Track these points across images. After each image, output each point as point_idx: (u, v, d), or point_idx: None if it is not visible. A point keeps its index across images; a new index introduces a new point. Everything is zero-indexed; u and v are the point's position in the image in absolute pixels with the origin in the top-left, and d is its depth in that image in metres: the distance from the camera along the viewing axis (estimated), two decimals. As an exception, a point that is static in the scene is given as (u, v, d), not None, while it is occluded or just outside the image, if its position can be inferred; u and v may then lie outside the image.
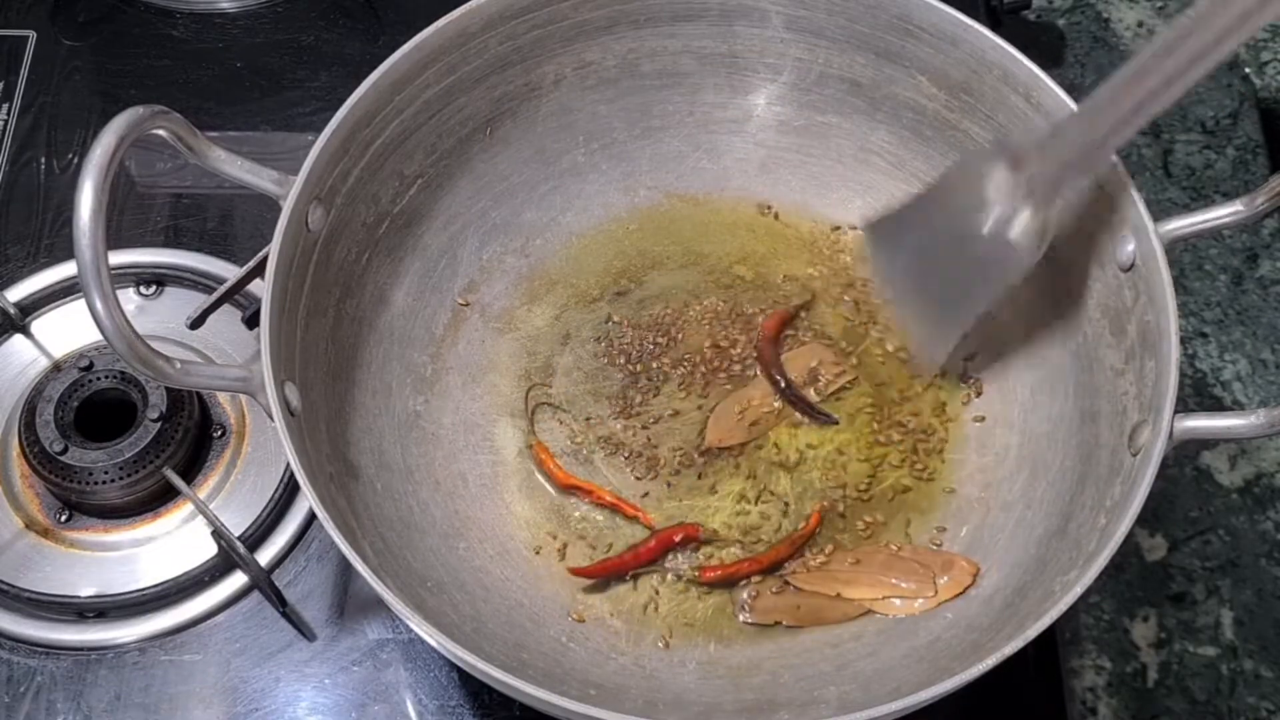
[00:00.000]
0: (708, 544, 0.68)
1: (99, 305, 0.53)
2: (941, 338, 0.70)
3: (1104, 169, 0.62)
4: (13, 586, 0.69)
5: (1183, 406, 0.63)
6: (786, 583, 0.67)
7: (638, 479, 0.70)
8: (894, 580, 0.66)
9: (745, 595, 0.67)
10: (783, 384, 0.71)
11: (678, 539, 0.68)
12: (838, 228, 0.77)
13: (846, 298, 0.75)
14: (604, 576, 0.67)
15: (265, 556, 0.71)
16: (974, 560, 0.66)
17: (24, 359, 0.76)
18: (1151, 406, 0.60)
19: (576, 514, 0.69)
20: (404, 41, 0.67)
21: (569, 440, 0.71)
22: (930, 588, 0.65)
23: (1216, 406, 0.80)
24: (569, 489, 0.69)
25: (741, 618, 0.66)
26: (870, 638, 0.66)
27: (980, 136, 0.71)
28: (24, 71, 0.87)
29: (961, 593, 0.65)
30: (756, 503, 0.70)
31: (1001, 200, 0.62)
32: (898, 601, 0.66)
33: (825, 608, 0.66)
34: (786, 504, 0.69)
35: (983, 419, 0.71)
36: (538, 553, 0.68)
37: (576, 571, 0.67)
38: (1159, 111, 0.57)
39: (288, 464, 0.65)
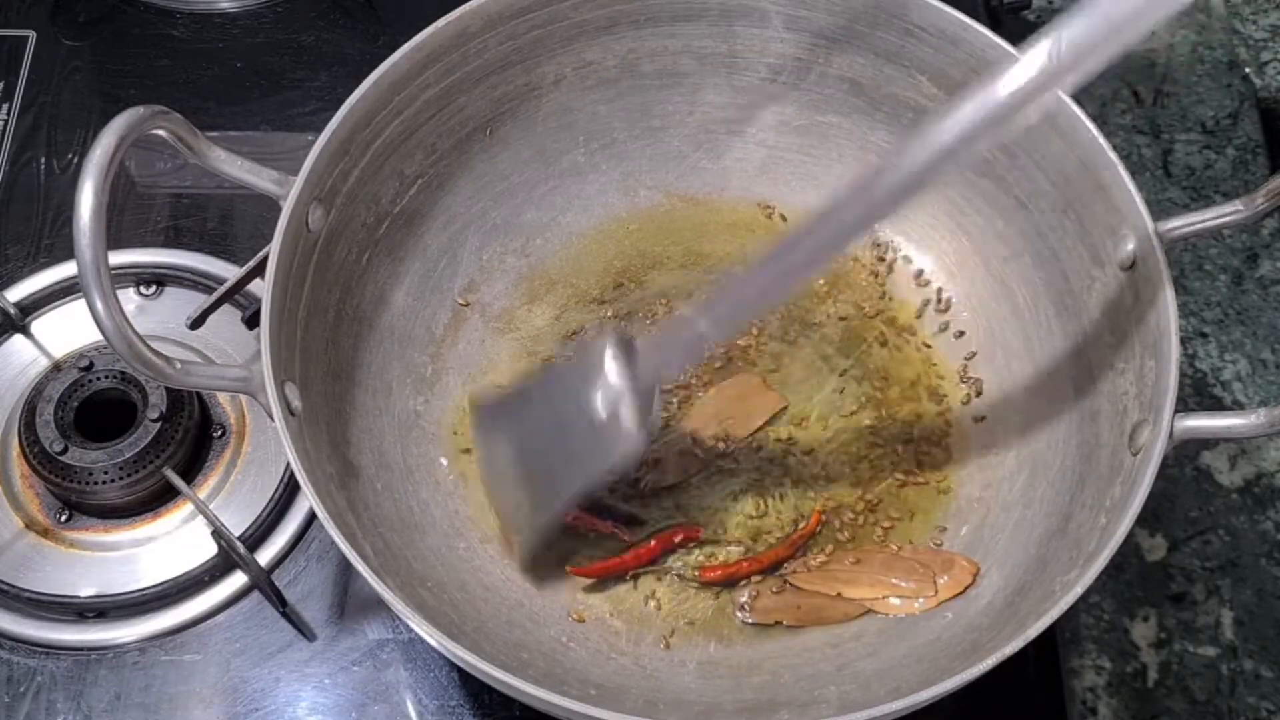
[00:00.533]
0: (708, 544, 0.68)
1: (99, 305, 0.53)
2: (532, 524, 0.66)
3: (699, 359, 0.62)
4: (13, 586, 0.69)
5: (1183, 406, 0.63)
6: (787, 582, 0.67)
7: (637, 479, 0.70)
8: (894, 580, 0.66)
9: (745, 596, 0.67)
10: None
11: (678, 540, 0.68)
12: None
13: (844, 298, 0.75)
14: (604, 576, 0.67)
15: (265, 556, 0.71)
16: (974, 560, 0.66)
17: (24, 359, 0.76)
18: (1151, 406, 0.60)
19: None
20: (404, 41, 0.67)
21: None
22: (930, 588, 0.65)
23: (1216, 406, 0.80)
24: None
25: (741, 618, 0.66)
26: (870, 638, 0.66)
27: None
28: (24, 71, 0.87)
29: (962, 592, 0.65)
30: (756, 503, 0.70)
31: (612, 389, 0.61)
32: (897, 601, 0.66)
33: (826, 607, 0.66)
34: (787, 504, 0.69)
35: (983, 419, 0.71)
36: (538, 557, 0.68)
37: (576, 571, 0.67)
38: (760, 312, 0.58)
39: (288, 464, 0.65)
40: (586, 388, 0.61)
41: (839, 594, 0.66)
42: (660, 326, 0.60)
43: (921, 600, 0.65)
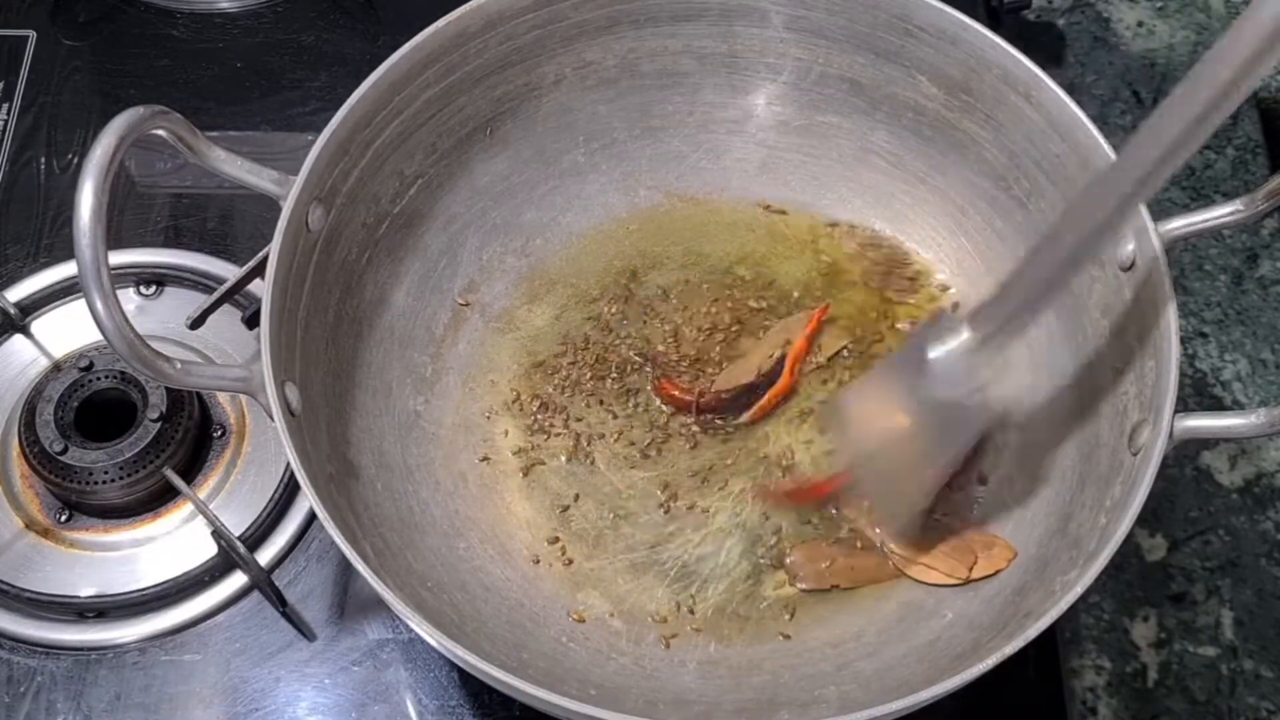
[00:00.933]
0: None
1: (99, 305, 0.53)
2: (909, 509, 0.67)
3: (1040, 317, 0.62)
4: (13, 586, 0.69)
5: (1183, 406, 0.63)
6: (838, 540, 0.67)
7: (641, 478, 0.70)
8: (939, 549, 0.66)
9: (792, 559, 0.67)
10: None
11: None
12: (835, 224, 0.77)
13: (843, 298, 0.75)
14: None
15: (265, 556, 0.71)
16: (1014, 546, 0.66)
17: (24, 359, 0.76)
18: (1151, 406, 0.60)
19: (577, 514, 0.69)
20: (404, 41, 0.67)
21: (569, 440, 0.71)
22: (965, 567, 0.65)
23: (1216, 406, 0.80)
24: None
25: (799, 586, 0.67)
26: (870, 638, 0.66)
27: (980, 136, 0.71)
28: (24, 71, 0.87)
29: (993, 574, 0.65)
30: (756, 503, 0.70)
31: (951, 369, 0.60)
32: (933, 571, 0.66)
33: (876, 566, 0.67)
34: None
35: (982, 419, 0.72)
36: (537, 562, 0.68)
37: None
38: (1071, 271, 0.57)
39: (288, 464, 0.65)
40: (930, 372, 0.60)
41: (888, 548, 0.67)
42: (987, 301, 0.60)
43: (954, 576, 0.65)
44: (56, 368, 0.74)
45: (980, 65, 0.68)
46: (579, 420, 0.72)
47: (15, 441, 0.72)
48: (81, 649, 0.69)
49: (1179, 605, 0.74)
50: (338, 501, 0.60)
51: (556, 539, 0.69)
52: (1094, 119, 0.64)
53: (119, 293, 0.55)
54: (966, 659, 0.56)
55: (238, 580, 0.70)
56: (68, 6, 0.90)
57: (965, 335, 0.59)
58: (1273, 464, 0.78)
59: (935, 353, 0.60)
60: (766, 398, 0.71)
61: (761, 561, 0.68)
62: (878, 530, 0.68)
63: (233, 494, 0.73)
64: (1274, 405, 0.58)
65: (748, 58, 0.75)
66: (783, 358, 0.72)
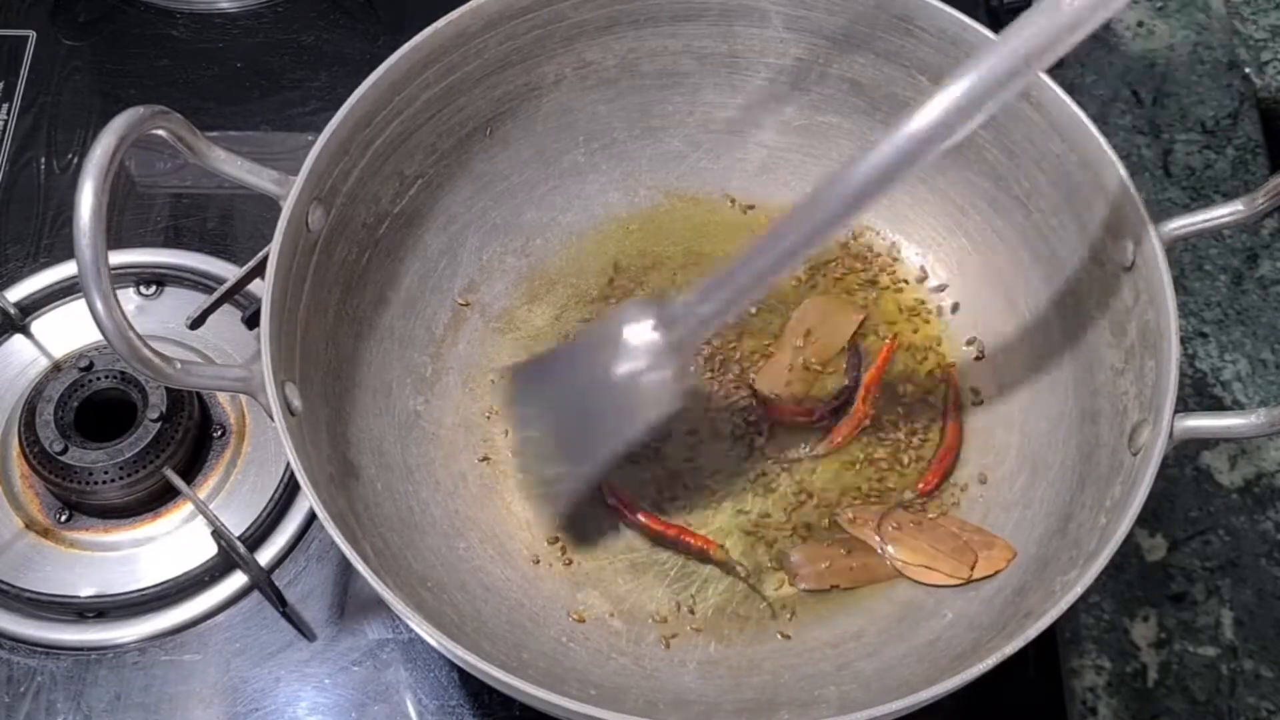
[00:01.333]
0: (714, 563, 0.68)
1: (99, 305, 0.53)
2: (571, 483, 0.66)
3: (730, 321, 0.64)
4: (13, 586, 0.69)
5: (1183, 406, 0.63)
6: (838, 540, 0.68)
7: (641, 478, 0.70)
8: (937, 549, 0.66)
9: (793, 559, 0.67)
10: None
11: (693, 545, 0.68)
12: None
13: (843, 297, 0.75)
14: (628, 518, 0.68)
15: (265, 556, 0.71)
16: (1014, 546, 0.66)
17: (24, 359, 0.76)
18: (1151, 406, 0.60)
19: (577, 514, 0.69)
20: (404, 41, 0.67)
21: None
22: (966, 567, 0.65)
23: (1216, 406, 0.80)
24: (656, 535, 0.68)
25: (799, 586, 0.67)
26: (870, 638, 0.66)
27: (980, 136, 0.71)
28: (24, 71, 0.87)
29: (993, 575, 0.65)
30: (756, 505, 0.70)
31: (645, 351, 0.61)
32: (932, 572, 0.66)
33: (875, 566, 0.67)
34: (788, 504, 0.70)
35: (982, 419, 0.71)
36: (537, 562, 0.68)
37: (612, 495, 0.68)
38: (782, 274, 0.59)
39: (288, 464, 0.65)
40: (618, 351, 0.62)
41: (886, 549, 0.67)
42: (688, 289, 0.61)
43: (956, 578, 0.66)
44: (56, 368, 0.74)
45: (980, 65, 0.68)
46: (579, 420, 0.72)
47: (15, 441, 0.72)
48: (81, 649, 0.69)
49: (1179, 605, 0.74)
50: (338, 501, 0.60)
51: (556, 539, 0.69)
52: (1094, 119, 0.64)
53: (119, 293, 0.55)
54: (966, 659, 0.56)
55: (238, 580, 0.70)
56: (68, 6, 0.90)
57: (658, 332, 0.61)
58: (1273, 464, 0.78)
59: (631, 341, 0.61)
60: (846, 429, 0.71)
61: (761, 561, 0.68)
62: (877, 537, 0.68)
63: (233, 494, 0.73)
64: (1274, 405, 0.58)
65: (748, 58, 0.75)
66: (849, 388, 0.72)
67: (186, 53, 0.88)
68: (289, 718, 0.67)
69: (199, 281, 0.78)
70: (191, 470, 0.72)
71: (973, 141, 0.71)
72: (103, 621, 0.69)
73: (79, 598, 0.69)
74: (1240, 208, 0.62)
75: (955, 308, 0.74)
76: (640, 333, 0.61)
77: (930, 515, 0.68)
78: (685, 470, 0.70)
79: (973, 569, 0.66)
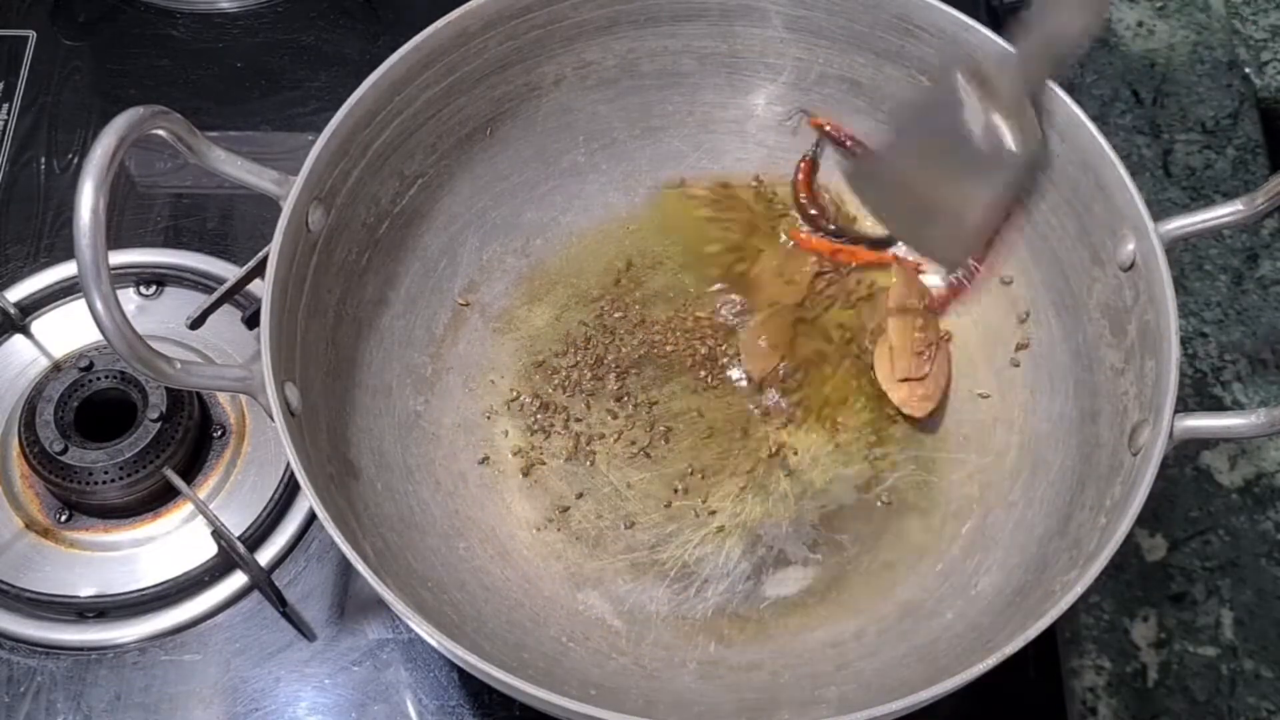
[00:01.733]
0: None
1: (99, 305, 0.53)
2: (958, 238, 0.71)
3: (1063, 68, 0.66)
4: (13, 586, 0.69)
5: (1183, 406, 0.63)
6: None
7: (641, 478, 0.70)
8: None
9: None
10: (829, 226, 0.75)
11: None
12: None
13: (843, 298, 0.75)
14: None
15: (265, 556, 0.71)
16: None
17: (24, 359, 0.76)
18: (1151, 406, 0.60)
19: (577, 514, 0.69)
20: (404, 41, 0.67)
21: (569, 440, 0.71)
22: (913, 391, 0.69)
23: (1216, 406, 0.80)
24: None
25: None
26: (870, 638, 0.66)
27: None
28: (24, 71, 0.87)
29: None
30: (756, 503, 0.70)
31: (977, 114, 0.65)
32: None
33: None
34: (788, 503, 0.70)
35: (982, 418, 0.71)
36: (537, 561, 0.68)
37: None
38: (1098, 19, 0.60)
39: (288, 464, 0.65)
40: (955, 119, 0.65)
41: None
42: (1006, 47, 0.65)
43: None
44: (56, 368, 0.74)
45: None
46: (579, 420, 0.72)
47: (15, 441, 0.72)
48: (81, 649, 0.69)
49: (1179, 605, 0.74)
50: (338, 501, 0.60)
51: (550, 520, 0.69)
52: (1094, 119, 0.65)
53: (119, 293, 0.55)
54: (966, 659, 0.56)
55: (238, 580, 0.70)
56: (68, 6, 0.90)
57: (983, 87, 0.64)
58: (1273, 464, 0.78)
59: (960, 108, 0.65)
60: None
61: (761, 562, 0.68)
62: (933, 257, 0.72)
63: (233, 494, 0.73)
64: (1274, 405, 0.58)
65: (748, 58, 0.75)
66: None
67: (186, 53, 0.88)
68: (289, 718, 0.67)
69: (199, 281, 0.78)
70: (191, 470, 0.72)
71: (973, 141, 0.71)
72: (103, 621, 0.69)
73: (79, 598, 0.69)
74: (1240, 208, 0.62)
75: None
76: (972, 100, 0.65)
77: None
78: (688, 469, 0.70)
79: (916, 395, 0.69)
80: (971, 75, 0.65)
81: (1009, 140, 0.65)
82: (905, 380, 0.70)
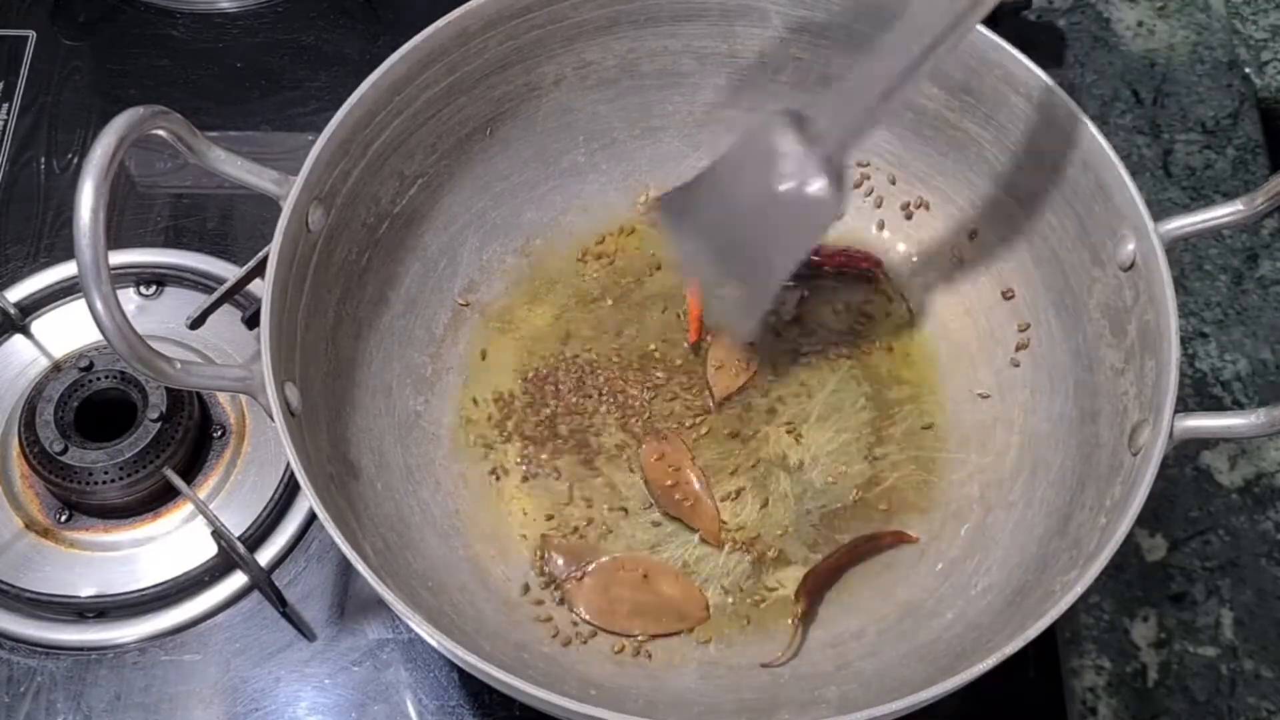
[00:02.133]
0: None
1: (99, 305, 0.53)
2: (751, 305, 0.67)
3: (888, 119, 0.64)
4: (13, 586, 0.69)
5: (1183, 406, 0.63)
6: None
7: (641, 478, 0.70)
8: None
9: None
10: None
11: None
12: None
13: (839, 305, 0.75)
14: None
15: (265, 556, 0.71)
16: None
17: (24, 359, 0.76)
18: (1152, 406, 0.60)
19: (577, 513, 0.69)
20: (404, 41, 0.67)
21: (570, 439, 0.71)
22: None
23: (1216, 406, 0.80)
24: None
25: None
26: (870, 638, 0.66)
27: (980, 136, 0.71)
28: (24, 71, 0.87)
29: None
30: (757, 503, 0.70)
31: (796, 161, 0.62)
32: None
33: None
34: (788, 503, 0.70)
35: (983, 419, 0.71)
36: (538, 562, 0.68)
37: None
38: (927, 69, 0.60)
39: (288, 464, 0.65)
40: (770, 164, 0.62)
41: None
42: (832, 90, 0.63)
43: None
44: (56, 368, 0.74)
45: (980, 65, 0.68)
46: (579, 420, 0.72)
47: (15, 441, 0.72)
48: (81, 649, 0.69)
49: (1179, 605, 0.74)
50: (338, 502, 0.60)
51: (551, 516, 0.69)
52: (1094, 119, 0.65)
53: (119, 293, 0.55)
54: (966, 659, 0.56)
55: (238, 580, 0.70)
56: (68, 6, 0.90)
57: (804, 134, 0.61)
58: (1273, 464, 0.78)
59: (784, 148, 0.62)
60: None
61: (761, 561, 0.68)
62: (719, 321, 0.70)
63: (233, 494, 0.73)
64: (1274, 405, 0.58)
65: (748, 58, 0.75)
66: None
67: (186, 53, 0.88)
68: (289, 718, 0.67)
69: (199, 281, 0.78)
70: (191, 470, 0.72)
71: (973, 141, 0.71)
72: (103, 621, 0.69)
73: (79, 598, 0.69)
74: (1240, 208, 0.62)
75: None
76: (789, 147, 0.61)
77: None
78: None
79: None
80: (792, 121, 0.62)
81: (826, 194, 0.62)
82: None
